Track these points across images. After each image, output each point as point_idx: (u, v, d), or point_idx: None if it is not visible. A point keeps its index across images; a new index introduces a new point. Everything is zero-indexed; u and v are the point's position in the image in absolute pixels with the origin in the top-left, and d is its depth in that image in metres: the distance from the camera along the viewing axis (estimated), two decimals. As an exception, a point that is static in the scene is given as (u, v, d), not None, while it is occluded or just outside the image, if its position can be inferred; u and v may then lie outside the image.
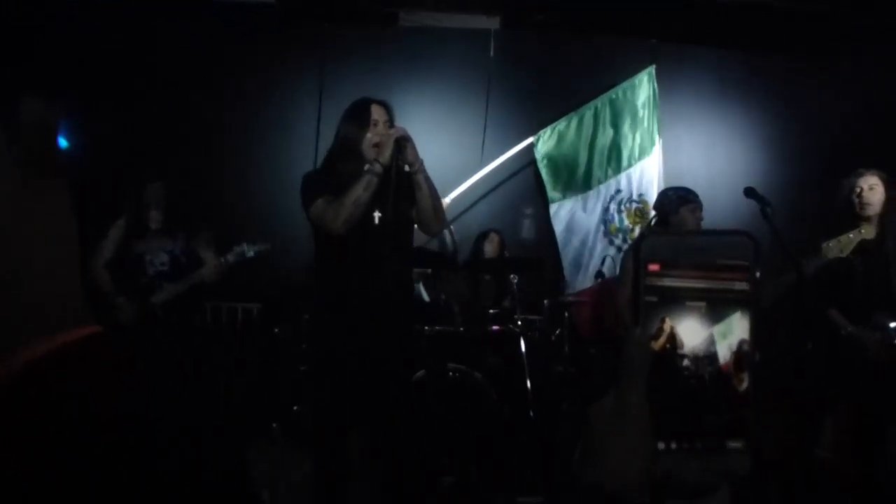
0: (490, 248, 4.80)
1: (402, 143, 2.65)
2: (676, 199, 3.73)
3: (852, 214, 3.28)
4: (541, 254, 5.32)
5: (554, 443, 3.81)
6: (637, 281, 0.65)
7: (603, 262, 5.00)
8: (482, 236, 4.87)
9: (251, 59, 5.49)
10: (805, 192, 5.07)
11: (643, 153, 5.45)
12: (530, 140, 5.49)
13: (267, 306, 5.18)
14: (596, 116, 5.53)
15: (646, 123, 5.48)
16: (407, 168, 2.71)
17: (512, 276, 4.16)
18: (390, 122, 2.78)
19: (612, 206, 5.42)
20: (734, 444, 0.64)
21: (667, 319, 0.63)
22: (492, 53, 5.62)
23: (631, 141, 5.48)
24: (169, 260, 4.00)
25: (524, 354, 3.84)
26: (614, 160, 5.50)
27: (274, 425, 4.75)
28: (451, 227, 4.64)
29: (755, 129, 5.77)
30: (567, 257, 5.40)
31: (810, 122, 5.58)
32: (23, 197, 0.40)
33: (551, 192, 5.48)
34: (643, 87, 5.52)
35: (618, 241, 5.35)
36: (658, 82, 5.54)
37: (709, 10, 5.34)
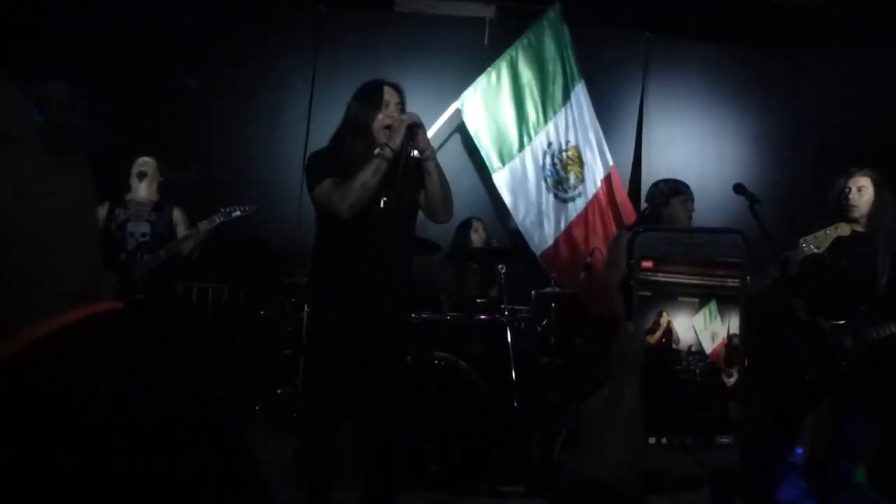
0: (477, 238, 4.80)
1: (415, 130, 2.62)
2: (667, 191, 3.75)
3: (841, 214, 3.30)
4: (527, 244, 5.32)
5: (538, 433, 3.84)
6: (629, 275, 0.66)
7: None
8: (466, 224, 4.84)
9: (246, 43, 5.43)
10: (795, 190, 5.11)
11: (566, 97, 5.38)
12: (455, 107, 5.32)
13: (253, 288, 5.17)
14: (513, 66, 5.38)
15: (561, 66, 5.37)
16: (417, 154, 2.69)
17: (499, 265, 4.17)
18: (402, 105, 2.75)
19: (548, 161, 5.37)
20: (723, 440, 0.65)
21: (664, 314, 0.64)
22: (486, 42, 5.59)
23: (552, 87, 5.38)
24: (150, 231, 3.99)
25: (510, 344, 3.86)
26: (540, 112, 5.39)
27: (257, 408, 4.75)
28: None
29: (747, 125, 5.79)
30: (520, 220, 5.32)
31: (803, 121, 5.60)
32: (44, 170, 0.40)
33: (490, 162, 5.33)
34: (552, 27, 5.39)
35: (562, 194, 5.35)
36: (651, 75, 5.53)
37: (705, 4, 5.35)
